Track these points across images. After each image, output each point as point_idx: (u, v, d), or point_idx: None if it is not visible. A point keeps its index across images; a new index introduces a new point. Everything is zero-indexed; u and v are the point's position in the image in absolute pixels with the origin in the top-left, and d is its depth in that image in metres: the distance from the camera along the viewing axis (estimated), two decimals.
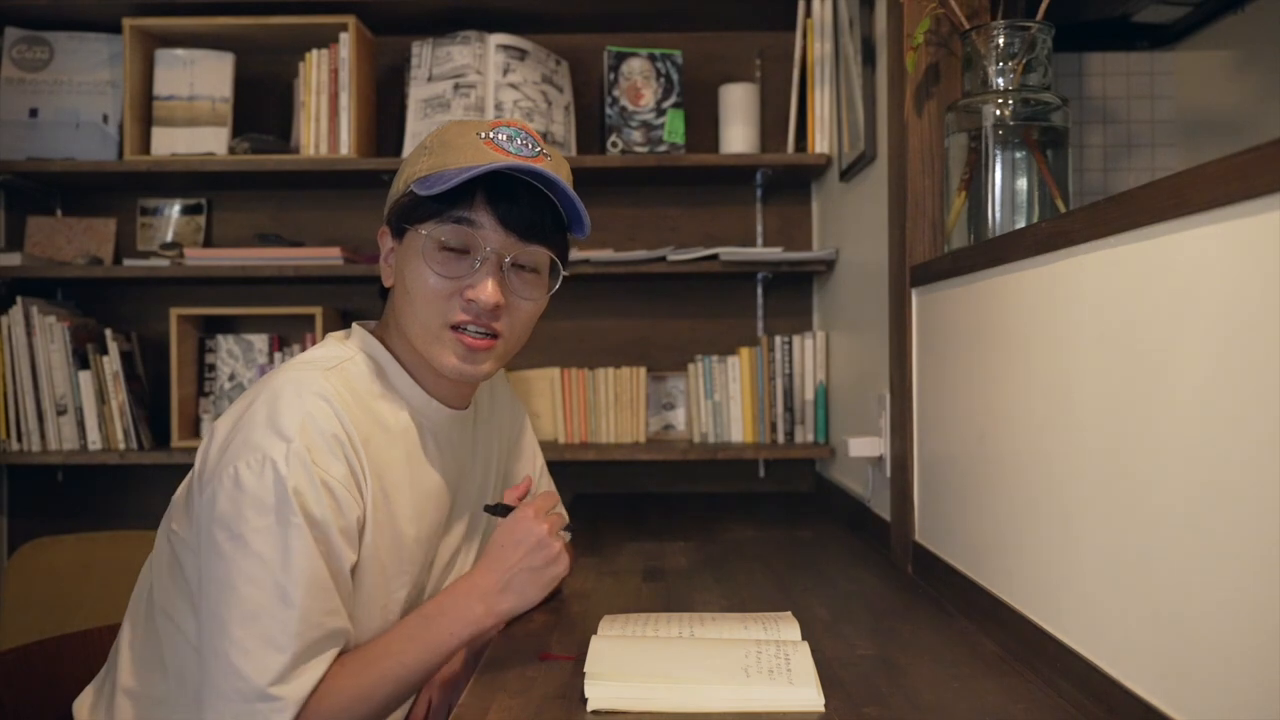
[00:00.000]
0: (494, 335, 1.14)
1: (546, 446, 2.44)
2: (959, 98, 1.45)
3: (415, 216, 1.13)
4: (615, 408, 2.48)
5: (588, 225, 1.16)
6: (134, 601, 1.18)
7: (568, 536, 1.35)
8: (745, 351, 2.49)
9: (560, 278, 1.19)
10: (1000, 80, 1.37)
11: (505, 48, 2.41)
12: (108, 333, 2.47)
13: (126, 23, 2.37)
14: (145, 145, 2.42)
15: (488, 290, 1.10)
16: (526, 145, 1.12)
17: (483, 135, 1.12)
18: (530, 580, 1.16)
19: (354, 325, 1.23)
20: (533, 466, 1.47)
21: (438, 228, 1.11)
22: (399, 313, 1.17)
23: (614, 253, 2.44)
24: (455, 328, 1.12)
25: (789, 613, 1.26)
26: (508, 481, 1.41)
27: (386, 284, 1.21)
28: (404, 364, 1.19)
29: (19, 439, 2.42)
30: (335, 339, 1.21)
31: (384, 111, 2.59)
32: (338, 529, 1.05)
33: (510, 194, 1.11)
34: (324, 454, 1.04)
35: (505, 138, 1.12)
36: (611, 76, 2.48)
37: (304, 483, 1.02)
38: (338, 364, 1.13)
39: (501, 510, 1.23)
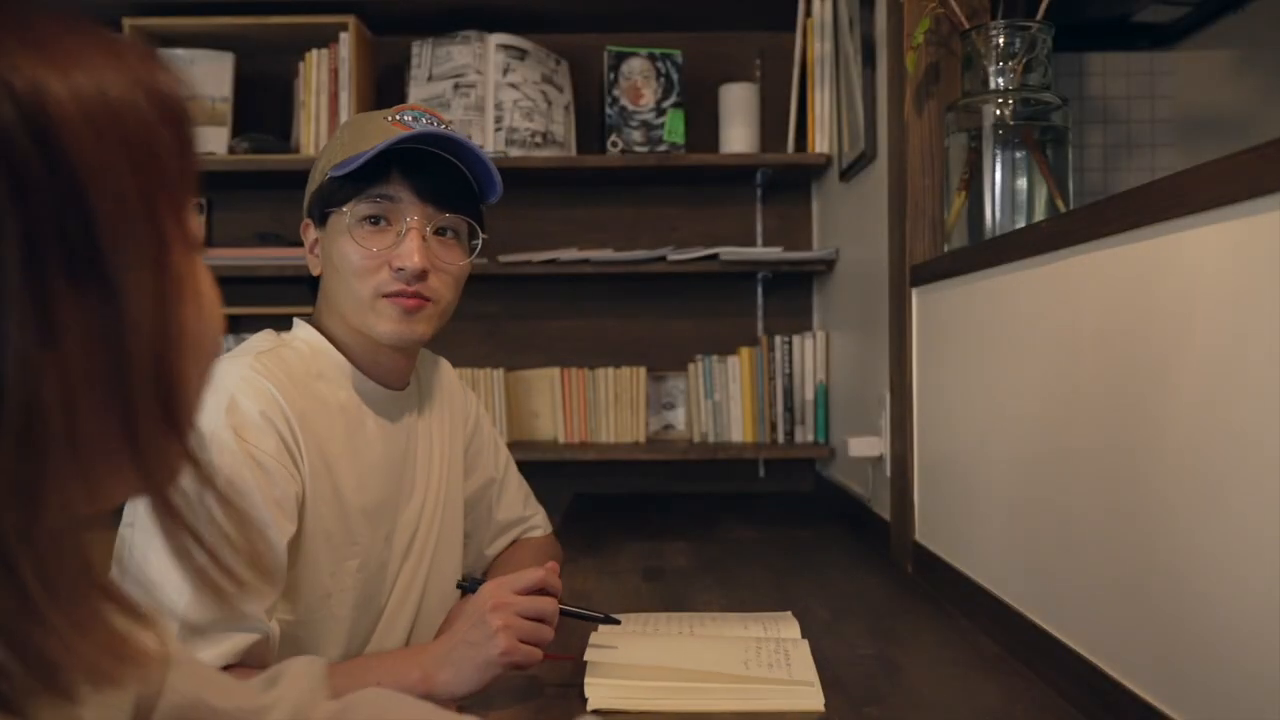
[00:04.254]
0: (425, 299, 1.18)
1: (546, 446, 2.44)
2: (959, 97, 1.45)
3: (336, 200, 1.17)
4: (615, 408, 2.48)
5: (499, 187, 1.21)
6: None
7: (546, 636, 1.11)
8: (745, 351, 2.49)
9: (480, 241, 1.23)
10: (1000, 80, 1.37)
11: (505, 47, 2.41)
12: None
13: (126, 22, 2.37)
14: None
15: (414, 256, 1.14)
16: (432, 123, 1.19)
17: (389, 118, 1.18)
18: (467, 656, 1.06)
19: (294, 318, 1.26)
20: (494, 463, 1.46)
21: (359, 205, 1.16)
22: (331, 294, 1.20)
23: (614, 252, 2.44)
24: (387, 296, 1.16)
25: (789, 613, 1.26)
26: (467, 474, 1.41)
27: (315, 273, 1.24)
28: (339, 346, 1.21)
29: None
30: (269, 331, 1.23)
31: None
32: (269, 499, 1.05)
33: (423, 167, 1.17)
34: (252, 431, 1.06)
35: (411, 118, 1.18)
36: (611, 76, 2.48)
37: (229, 464, 1.03)
38: (271, 349, 1.16)
39: (471, 586, 1.17)
